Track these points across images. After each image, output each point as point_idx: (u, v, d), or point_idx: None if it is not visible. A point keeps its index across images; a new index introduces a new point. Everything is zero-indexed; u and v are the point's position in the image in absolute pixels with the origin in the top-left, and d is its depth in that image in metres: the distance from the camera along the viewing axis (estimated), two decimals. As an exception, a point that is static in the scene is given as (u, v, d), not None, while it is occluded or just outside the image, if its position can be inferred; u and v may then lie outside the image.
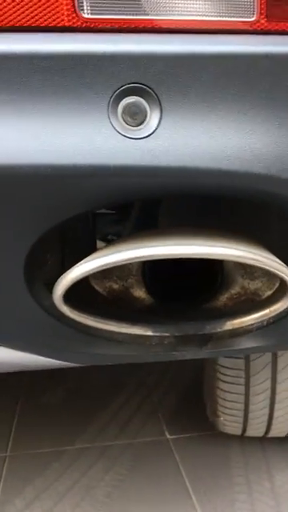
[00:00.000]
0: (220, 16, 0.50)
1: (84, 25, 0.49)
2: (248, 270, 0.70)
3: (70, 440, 1.78)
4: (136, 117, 0.48)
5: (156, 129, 0.48)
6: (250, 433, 1.64)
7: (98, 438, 1.82)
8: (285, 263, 0.58)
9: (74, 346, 0.67)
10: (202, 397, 1.77)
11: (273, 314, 0.64)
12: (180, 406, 1.96)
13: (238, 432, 1.65)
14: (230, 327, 0.66)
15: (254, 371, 1.43)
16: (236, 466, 1.66)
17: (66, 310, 0.58)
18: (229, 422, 1.62)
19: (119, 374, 2.03)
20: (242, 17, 0.50)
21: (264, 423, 1.58)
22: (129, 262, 0.52)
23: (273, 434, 1.61)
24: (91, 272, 0.53)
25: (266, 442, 1.69)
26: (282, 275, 0.55)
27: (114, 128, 0.48)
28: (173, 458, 1.76)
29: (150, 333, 0.65)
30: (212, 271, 0.71)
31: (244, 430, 1.63)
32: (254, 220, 0.72)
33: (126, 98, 0.48)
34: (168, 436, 1.86)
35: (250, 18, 0.50)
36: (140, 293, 0.71)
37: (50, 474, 1.66)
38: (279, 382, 1.43)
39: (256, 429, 1.61)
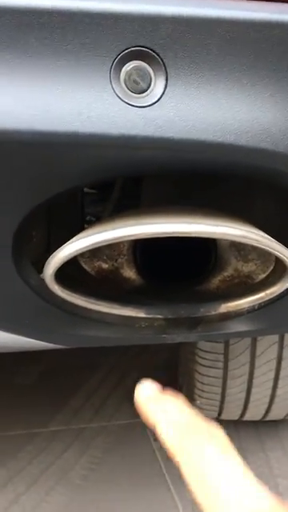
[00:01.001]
0: (232, -21, 0.47)
1: (86, -20, 0.45)
2: (242, 252, 0.68)
3: (44, 422, 1.76)
4: (140, 83, 0.45)
5: (161, 97, 0.45)
6: (225, 416, 1.65)
7: (72, 420, 1.81)
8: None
9: (61, 327, 0.64)
10: (177, 379, 1.77)
11: (268, 298, 0.63)
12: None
13: (214, 415, 1.66)
14: (225, 310, 0.64)
15: (232, 355, 1.43)
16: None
17: (57, 289, 0.55)
18: (205, 406, 1.62)
19: (94, 355, 2.01)
20: (254, -19, 0.48)
21: (240, 407, 1.59)
22: (127, 239, 0.49)
23: (247, 417, 1.62)
24: (86, 249, 0.50)
25: (240, 424, 1.70)
26: (283, 257, 0.53)
27: (116, 94, 0.45)
28: (148, 440, 1.76)
29: (142, 314, 0.62)
30: (205, 252, 0.69)
31: (219, 413, 1.64)
32: (242, 199, 0.70)
33: (130, 63, 0.45)
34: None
35: (263, -18, 0.47)
36: (130, 273, 0.68)
37: (24, 457, 1.64)
38: (257, 367, 1.44)
39: (231, 412, 1.62)
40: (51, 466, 1.64)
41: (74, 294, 0.57)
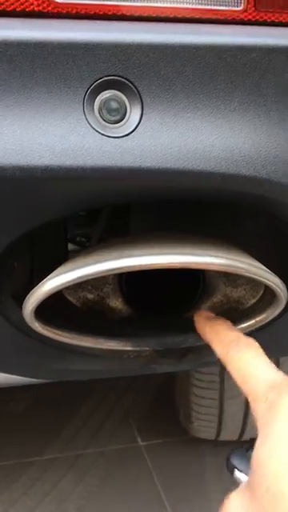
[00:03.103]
0: (205, 4, 0.46)
1: (56, 10, 0.44)
2: (230, 277, 0.66)
3: (39, 450, 1.72)
4: (115, 113, 0.43)
5: (137, 126, 0.44)
6: (223, 437, 1.62)
7: (67, 447, 1.77)
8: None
9: (45, 362, 0.61)
10: (174, 401, 1.74)
11: (258, 325, 0.61)
12: (151, 410, 1.92)
13: (212, 437, 1.63)
14: (214, 339, 0.62)
15: (228, 376, 1.41)
16: (210, 472, 1.63)
17: (37, 326, 0.53)
18: (203, 428, 1.59)
19: (88, 379, 1.97)
20: (228, 5, 0.47)
21: (238, 427, 1.56)
22: (111, 273, 0.47)
23: (246, 436, 1.60)
24: (68, 284, 0.48)
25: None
26: (272, 284, 0.51)
27: (91, 125, 0.43)
28: (145, 465, 1.72)
29: (129, 347, 0.60)
30: (192, 279, 0.67)
31: (218, 434, 1.61)
32: (233, 225, 0.68)
33: (104, 92, 0.43)
34: (140, 442, 1.82)
35: (237, 7, 0.46)
36: (116, 303, 0.66)
37: (18, 488, 1.59)
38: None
39: (230, 432, 1.59)
40: (47, 497, 1.59)
41: (55, 331, 0.55)
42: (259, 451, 0.38)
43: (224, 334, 0.52)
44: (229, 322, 0.55)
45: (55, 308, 0.63)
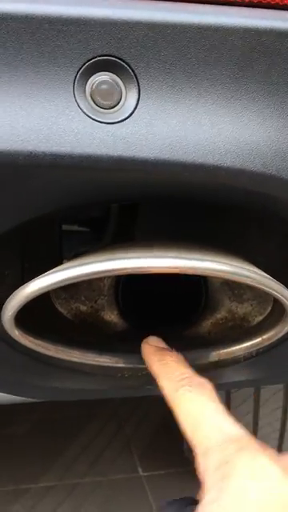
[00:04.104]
0: (212, -17, 0.42)
1: (47, -17, 0.40)
2: (236, 291, 0.61)
3: (34, 477, 1.64)
4: (108, 97, 0.39)
5: (132, 112, 0.39)
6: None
7: (65, 475, 1.69)
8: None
9: (29, 378, 0.56)
10: (177, 430, 1.66)
11: (266, 343, 0.55)
12: (154, 439, 1.84)
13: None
14: (216, 358, 0.57)
15: (234, 404, 1.33)
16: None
17: (17, 334, 0.47)
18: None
19: (90, 404, 1.90)
20: (237, -15, 0.43)
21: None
22: (97, 276, 0.42)
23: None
24: (51, 288, 0.43)
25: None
26: (281, 297, 0.46)
27: (81, 109, 0.39)
28: (146, 497, 1.64)
29: (121, 364, 0.55)
30: (195, 292, 0.61)
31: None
32: (240, 232, 0.63)
33: (97, 74, 0.39)
34: (141, 473, 1.74)
35: (247, -13, 0.42)
36: (112, 316, 0.61)
37: (11, 517, 1.51)
38: (261, 417, 1.34)
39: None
40: (40, 528, 1.51)
41: (38, 342, 0.50)
42: (210, 508, 0.34)
43: (175, 367, 0.46)
44: (181, 357, 0.48)
45: (45, 320, 0.58)
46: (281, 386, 1.32)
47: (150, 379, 0.59)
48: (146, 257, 0.42)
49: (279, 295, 0.47)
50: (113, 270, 0.41)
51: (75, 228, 0.95)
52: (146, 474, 1.73)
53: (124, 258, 0.41)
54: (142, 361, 0.53)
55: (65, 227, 0.73)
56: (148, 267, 0.41)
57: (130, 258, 0.41)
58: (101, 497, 1.62)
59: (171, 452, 1.70)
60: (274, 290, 0.46)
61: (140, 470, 1.74)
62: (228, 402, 1.32)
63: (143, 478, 1.72)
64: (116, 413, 1.92)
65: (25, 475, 1.65)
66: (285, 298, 0.47)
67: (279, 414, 1.36)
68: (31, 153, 0.38)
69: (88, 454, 1.78)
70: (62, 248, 0.68)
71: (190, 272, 0.43)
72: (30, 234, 0.60)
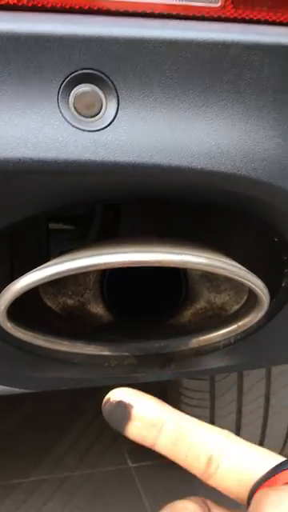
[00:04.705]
0: (184, 0, 0.46)
1: (31, 3, 0.44)
2: (214, 282, 0.65)
3: (25, 472, 1.67)
4: (90, 107, 0.43)
5: (112, 120, 0.43)
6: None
7: (55, 468, 1.72)
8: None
9: (21, 369, 0.59)
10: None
11: (241, 330, 0.59)
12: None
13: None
14: (196, 345, 0.61)
15: (219, 393, 1.38)
16: (200, 494, 1.59)
17: (9, 327, 0.51)
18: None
19: (79, 398, 1.93)
20: (207, 2, 0.46)
21: (229, 448, 1.52)
22: (82, 270, 0.45)
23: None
24: (41, 282, 0.46)
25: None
26: (252, 285, 0.50)
27: (65, 119, 0.43)
28: (135, 487, 1.68)
29: (106, 352, 0.58)
30: (175, 285, 0.66)
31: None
32: (218, 230, 0.67)
33: (79, 86, 0.43)
34: (130, 464, 1.78)
35: (215, 3, 0.46)
36: (98, 309, 0.65)
37: (2, 511, 1.54)
38: (245, 405, 1.38)
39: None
40: (31, 520, 1.54)
41: (29, 333, 0.54)
42: None
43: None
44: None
45: (34, 313, 0.61)
46: (263, 374, 1.37)
47: (135, 367, 0.63)
48: (129, 252, 0.46)
49: (252, 285, 0.51)
50: (98, 265, 0.45)
51: (61, 226, 0.98)
52: (134, 465, 1.77)
53: (108, 254, 0.45)
54: (126, 348, 0.57)
55: (51, 226, 0.76)
56: (131, 261, 0.45)
57: (114, 253, 0.45)
58: (91, 489, 1.65)
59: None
60: (247, 279, 0.51)
61: (129, 461, 1.78)
62: (212, 391, 1.37)
63: (132, 469, 1.75)
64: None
65: (16, 470, 1.68)
66: (257, 287, 0.52)
67: (262, 402, 1.41)
68: (20, 160, 0.42)
69: (77, 448, 1.82)
70: (49, 246, 0.72)
71: (169, 265, 0.47)
72: (19, 232, 0.63)
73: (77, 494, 1.64)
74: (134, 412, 0.33)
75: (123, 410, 0.33)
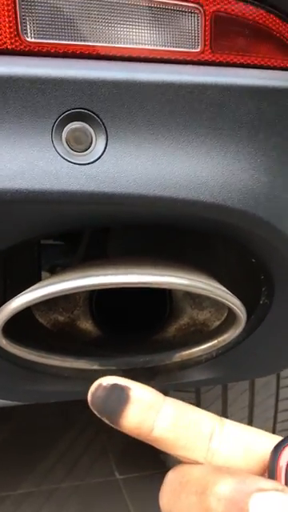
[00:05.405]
0: (166, 46, 0.50)
1: (27, 48, 0.48)
2: (196, 300, 0.69)
3: (13, 484, 1.68)
4: (81, 142, 0.47)
5: (101, 155, 0.47)
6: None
7: (43, 481, 1.73)
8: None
9: (16, 382, 0.63)
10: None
11: (221, 345, 0.63)
12: (131, 443, 1.90)
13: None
14: (179, 359, 0.65)
15: (204, 405, 1.41)
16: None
17: (5, 343, 0.55)
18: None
19: (67, 411, 1.95)
20: (187, 47, 0.51)
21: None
22: (74, 291, 0.49)
23: (224, 468, 1.58)
24: (34, 302, 0.50)
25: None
26: (230, 304, 0.54)
27: (58, 153, 0.47)
28: (123, 498, 1.70)
29: (96, 367, 0.62)
30: (160, 302, 0.70)
31: (195, 465, 1.59)
32: (202, 251, 0.72)
33: (71, 123, 0.47)
34: (118, 476, 1.80)
35: (195, 48, 0.51)
36: (87, 325, 0.68)
37: (-9, 524, 1.55)
38: (230, 416, 1.42)
39: (207, 464, 1.58)
40: (20, 533, 1.56)
41: (24, 349, 0.57)
42: None
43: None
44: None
45: (26, 330, 0.65)
46: (247, 386, 1.41)
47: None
48: (116, 274, 0.50)
49: (230, 303, 0.55)
50: (89, 286, 0.49)
51: (51, 242, 1.02)
52: (122, 476, 1.79)
53: (98, 275, 0.49)
54: (114, 362, 0.61)
55: (41, 241, 0.80)
56: (120, 283, 0.49)
57: (104, 274, 0.49)
58: (79, 500, 1.67)
59: (146, 456, 1.76)
60: (225, 299, 0.55)
61: (116, 473, 1.80)
62: (198, 403, 1.41)
63: (120, 480, 1.77)
64: (92, 421, 1.97)
65: (4, 483, 1.69)
66: (235, 305, 0.56)
67: (246, 413, 1.44)
68: (17, 190, 0.46)
69: (65, 460, 1.83)
70: (41, 261, 0.75)
71: (155, 286, 0.51)
72: (13, 252, 0.67)
73: (65, 506, 1.66)
74: (132, 394, 0.30)
75: (120, 392, 0.30)
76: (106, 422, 0.32)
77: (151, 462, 1.74)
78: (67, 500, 1.69)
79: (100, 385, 0.32)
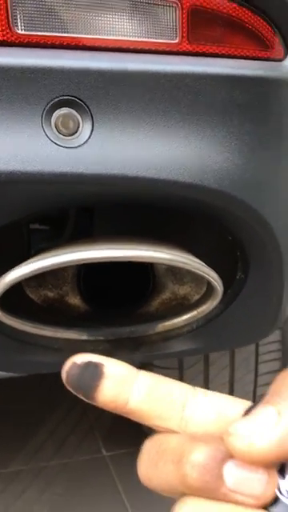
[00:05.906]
0: (147, 37, 0.54)
1: (18, 40, 0.51)
2: (178, 275, 0.74)
3: (3, 463, 1.73)
4: (69, 127, 0.51)
5: (88, 139, 0.51)
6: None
7: (32, 459, 1.78)
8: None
9: (9, 353, 0.67)
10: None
11: (200, 316, 0.69)
12: (117, 421, 1.95)
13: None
14: (162, 329, 0.70)
15: (187, 381, 1.47)
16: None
17: (1, 315, 0.59)
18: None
19: (53, 390, 2.00)
20: (166, 39, 0.55)
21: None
22: (63, 265, 0.54)
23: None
24: (26, 276, 0.54)
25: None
26: (207, 276, 0.59)
27: (48, 137, 0.51)
28: (110, 474, 1.75)
29: (84, 337, 0.67)
30: (144, 278, 0.74)
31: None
32: (183, 230, 0.76)
33: (59, 110, 0.51)
34: (104, 453, 1.85)
35: (173, 40, 0.55)
36: (75, 300, 0.73)
37: (-19, 501, 1.60)
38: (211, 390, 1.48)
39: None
40: (10, 507, 1.61)
41: (18, 320, 0.61)
42: None
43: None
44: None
45: (18, 305, 0.69)
46: (227, 362, 1.47)
47: (108, 351, 0.71)
48: (104, 248, 0.55)
49: (207, 276, 0.60)
50: (78, 260, 0.53)
51: (37, 226, 1.05)
52: (109, 453, 1.84)
53: (87, 250, 0.53)
54: (101, 333, 0.65)
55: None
56: (108, 257, 0.53)
57: (92, 249, 0.53)
58: (67, 477, 1.72)
59: (133, 433, 1.81)
60: (203, 271, 0.60)
61: (103, 450, 1.85)
62: (181, 379, 1.46)
63: (107, 457, 1.83)
64: (80, 400, 2.02)
65: (-6, 462, 1.73)
66: (212, 278, 0.61)
67: (227, 388, 1.50)
68: (11, 172, 0.50)
69: (53, 439, 1.88)
70: (30, 244, 0.79)
71: (139, 260, 0.56)
72: (4, 233, 0.70)
73: (54, 482, 1.71)
74: (106, 370, 0.31)
75: (94, 369, 0.31)
76: (82, 398, 0.32)
77: (136, 439, 1.79)
78: (56, 477, 1.74)
79: (74, 363, 0.32)
